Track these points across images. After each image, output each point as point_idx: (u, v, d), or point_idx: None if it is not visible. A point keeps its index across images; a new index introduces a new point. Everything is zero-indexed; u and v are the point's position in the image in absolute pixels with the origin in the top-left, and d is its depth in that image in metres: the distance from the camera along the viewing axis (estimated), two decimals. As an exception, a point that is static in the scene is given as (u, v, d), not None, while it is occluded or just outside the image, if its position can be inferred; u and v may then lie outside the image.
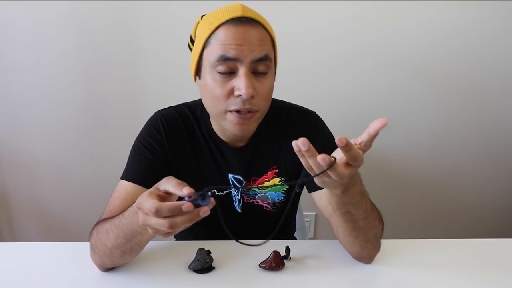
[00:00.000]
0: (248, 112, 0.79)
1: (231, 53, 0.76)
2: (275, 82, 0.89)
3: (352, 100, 1.60)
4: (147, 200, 0.61)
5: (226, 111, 0.81)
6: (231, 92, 0.78)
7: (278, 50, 0.87)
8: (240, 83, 0.76)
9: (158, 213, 0.58)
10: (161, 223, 0.59)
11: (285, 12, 1.46)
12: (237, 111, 0.79)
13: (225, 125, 0.84)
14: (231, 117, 0.81)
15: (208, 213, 0.59)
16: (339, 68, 1.55)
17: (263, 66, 0.79)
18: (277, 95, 0.98)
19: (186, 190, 0.60)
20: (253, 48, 0.76)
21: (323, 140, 0.93)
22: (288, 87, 1.26)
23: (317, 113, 0.98)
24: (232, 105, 0.79)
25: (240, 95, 0.77)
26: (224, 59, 0.76)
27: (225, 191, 0.95)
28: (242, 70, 0.77)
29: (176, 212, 0.58)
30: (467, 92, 1.60)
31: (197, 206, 0.59)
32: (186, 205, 0.58)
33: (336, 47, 1.53)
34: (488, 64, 1.56)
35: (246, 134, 0.87)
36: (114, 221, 0.74)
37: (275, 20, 0.88)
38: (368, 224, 0.77)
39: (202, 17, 0.84)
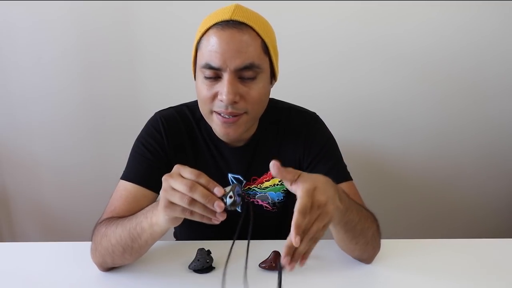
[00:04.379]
0: (233, 116, 0.80)
1: (214, 62, 0.77)
2: (276, 83, 0.89)
3: (353, 101, 1.60)
4: (189, 168, 0.64)
5: (212, 112, 0.82)
6: (215, 96, 0.80)
7: (278, 51, 0.87)
8: (222, 88, 0.78)
9: (199, 176, 0.62)
10: (184, 182, 0.61)
11: (285, 12, 1.46)
12: (220, 114, 0.81)
13: (213, 126, 0.86)
14: (216, 119, 0.82)
15: (218, 222, 0.63)
16: (340, 68, 1.55)
17: (250, 72, 0.79)
18: (278, 95, 0.98)
19: (217, 191, 0.61)
20: (237, 56, 0.76)
21: (322, 141, 0.94)
22: (288, 88, 1.26)
23: (317, 114, 0.99)
24: (217, 107, 0.81)
25: (222, 100, 0.79)
26: (208, 67, 0.78)
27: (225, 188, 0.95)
28: (225, 77, 0.78)
29: (211, 187, 0.61)
30: (468, 93, 1.60)
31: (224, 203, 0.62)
32: (218, 203, 0.61)
33: (337, 48, 1.53)
34: (488, 65, 1.56)
35: (234, 137, 0.86)
36: (123, 220, 0.76)
37: (275, 21, 0.87)
38: (364, 226, 0.78)
39: None
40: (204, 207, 0.61)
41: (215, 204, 0.61)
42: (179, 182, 0.61)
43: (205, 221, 0.64)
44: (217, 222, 0.63)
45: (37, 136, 1.64)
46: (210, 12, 0.84)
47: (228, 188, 0.62)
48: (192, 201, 0.61)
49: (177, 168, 0.65)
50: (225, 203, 0.61)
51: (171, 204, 0.63)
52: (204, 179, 0.62)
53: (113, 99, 1.59)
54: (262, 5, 0.98)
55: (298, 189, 0.60)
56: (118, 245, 0.75)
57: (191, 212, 0.63)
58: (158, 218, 0.68)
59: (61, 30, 1.50)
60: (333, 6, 1.47)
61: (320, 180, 0.62)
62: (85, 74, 1.56)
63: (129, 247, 0.75)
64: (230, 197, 0.62)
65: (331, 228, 0.77)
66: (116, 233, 0.75)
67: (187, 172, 0.63)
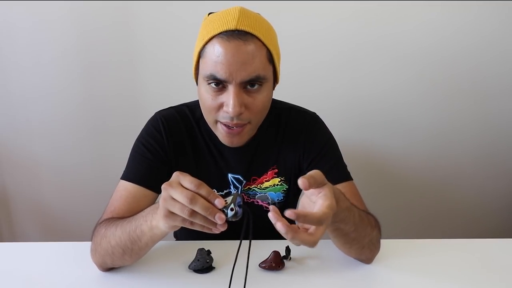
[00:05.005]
0: (237, 126, 0.80)
1: (220, 74, 0.76)
2: (277, 84, 0.89)
3: (353, 101, 1.60)
4: (189, 176, 0.62)
5: (216, 121, 0.82)
6: (221, 106, 0.80)
7: (280, 53, 0.87)
8: (228, 100, 0.77)
9: (199, 186, 0.60)
10: (185, 193, 0.59)
11: (285, 12, 1.46)
12: (226, 125, 0.81)
13: (217, 134, 0.86)
14: (221, 128, 0.82)
15: (218, 232, 0.62)
16: (340, 69, 1.55)
17: (255, 84, 0.78)
18: (278, 95, 0.98)
19: (218, 202, 0.60)
20: (243, 69, 0.75)
21: (323, 141, 0.94)
22: (288, 88, 1.26)
23: (317, 114, 0.98)
24: (222, 118, 0.80)
25: (227, 112, 0.78)
26: (213, 78, 0.77)
27: (225, 191, 0.95)
28: (231, 88, 0.77)
29: (212, 198, 0.60)
30: (468, 93, 1.60)
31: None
32: (219, 215, 0.59)
33: (337, 48, 1.53)
34: (488, 65, 1.56)
35: (238, 145, 0.87)
36: (123, 222, 0.76)
37: (275, 21, 0.87)
38: (359, 235, 0.77)
39: (209, 14, 0.83)
40: (205, 218, 0.60)
41: (216, 217, 0.59)
42: (179, 192, 0.60)
43: (205, 230, 0.63)
44: (217, 232, 0.63)
45: (37, 136, 1.64)
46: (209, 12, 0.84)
47: (229, 199, 0.61)
48: (193, 212, 0.60)
49: (176, 176, 0.63)
50: (226, 215, 0.60)
51: (171, 214, 0.62)
52: (204, 189, 0.61)
53: (113, 99, 1.59)
54: (262, 5, 0.98)
55: (322, 200, 0.61)
56: (118, 246, 0.75)
57: (192, 222, 0.62)
58: (158, 222, 0.68)
59: (61, 30, 1.50)
60: (333, 6, 1.47)
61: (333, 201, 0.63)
62: (85, 74, 1.56)
63: (129, 249, 0.75)
64: (231, 209, 0.61)
65: None
66: (116, 235, 0.75)
67: (187, 181, 0.61)
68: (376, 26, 1.50)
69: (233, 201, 0.61)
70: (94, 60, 1.54)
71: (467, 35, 1.52)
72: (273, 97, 0.92)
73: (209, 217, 0.60)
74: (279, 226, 0.55)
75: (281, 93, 0.99)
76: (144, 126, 0.94)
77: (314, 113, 0.98)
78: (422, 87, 1.58)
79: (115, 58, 1.54)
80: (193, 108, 0.95)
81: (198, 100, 0.93)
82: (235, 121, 0.79)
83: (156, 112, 0.95)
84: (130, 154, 0.92)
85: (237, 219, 0.62)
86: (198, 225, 0.62)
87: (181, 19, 1.48)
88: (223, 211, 0.61)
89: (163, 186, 0.63)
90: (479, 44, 1.53)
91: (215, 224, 0.61)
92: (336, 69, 1.55)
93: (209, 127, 0.90)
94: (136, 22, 1.49)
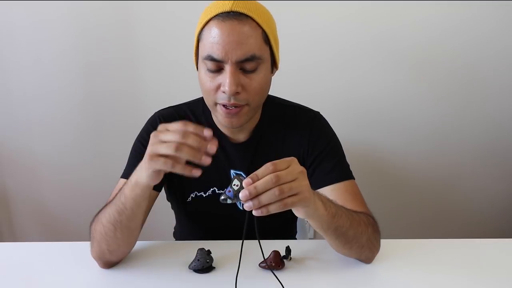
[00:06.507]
0: (235, 107, 0.81)
1: (216, 54, 0.77)
2: (276, 82, 0.89)
3: (353, 100, 1.59)
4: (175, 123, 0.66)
5: (216, 104, 0.83)
6: (218, 87, 0.81)
7: (279, 45, 0.87)
8: (225, 80, 0.79)
9: (187, 124, 0.64)
10: (177, 131, 0.63)
11: (285, 11, 1.46)
12: (224, 105, 0.82)
13: (217, 116, 0.86)
14: (220, 109, 0.83)
15: (199, 173, 0.65)
16: (341, 67, 1.55)
17: (251, 64, 0.79)
18: (278, 94, 0.98)
19: (206, 131, 0.64)
20: (238, 48, 0.77)
21: (326, 139, 0.94)
22: (288, 87, 1.26)
23: (320, 113, 0.99)
24: (220, 98, 0.81)
25: (224, 92, 0.79)
26: (210, 59, 0.78)
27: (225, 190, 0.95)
28: (227, 68, 0.78)
29: (199, 131, 0.64)
30: (468, 92, 1.59)
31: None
32: (209, 132, 0.63)
33: (337, 47, 1.53)
34: (488, 63, 1.56)
35: (237, 126, 0.87)
36: (112, 200, 0.79)
37: (276, 20, 0.87)
38: (357, 231, 0.78)
39: None
40: (191, 151, 0.63)
41: (205, 132, 0.64)
42: (171, 133, 0.64)
43: (186, 173, 0.65)
44: (197, 174, 0.64)
45: (37, 135, 1.64)
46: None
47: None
48: (179, 146, 0.62)
49: (162, 126, 0.67)
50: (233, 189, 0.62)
51: (155, 156, 0.65)
52: (191, 126, 0.64)
53: (113, 98, 1.59)
54: (262, 4, 0.98)
55: None
56: (109, 223, 0.77)
57: (173, 164, 0.64)
58: (138, 176, 0.71)
59: (61, 29, 1.50)
60: (333, 5, 1.47)
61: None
62: (85, 73, 1.56)
63: (118, 221, 0.76)
64: (235, 185, 0.63)
65: (324, 234, 0.78)
66: (106, 213, 0.78)
67: (175, 124, 0.65)
68: (376, 24, 1.50)
69: (236, 178, 0.63)
70: (94, 59, 1.54)
71: (467, 34, 1.51)
72: (276, 96, 0.92)
73: (202, 147, 0.63)
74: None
75: (281, 92, 0.99)
76: (144, 126, 0.95)
77: (318, 112, 0.99)
78: (422, 86, 1.58)
79: (115, 57, 1.54)
80: (193, 106, 0.96)
81: (198, 99, 0.94)
82: (232, 101, 0.80)
83: (156, 112, 0.96)
84: (130, 153, 0.93)
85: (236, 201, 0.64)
86: (180, 166, 0.64)
87: (181, 18, 1.48)
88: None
89: (151, 134, 0.67)
90: (479, 43, 1.53)
91: (201, 156, 0.64)
92: (336, 68, 1.55)
93: (212, 121, 0.91)
94: (136, 21, 1.49)
